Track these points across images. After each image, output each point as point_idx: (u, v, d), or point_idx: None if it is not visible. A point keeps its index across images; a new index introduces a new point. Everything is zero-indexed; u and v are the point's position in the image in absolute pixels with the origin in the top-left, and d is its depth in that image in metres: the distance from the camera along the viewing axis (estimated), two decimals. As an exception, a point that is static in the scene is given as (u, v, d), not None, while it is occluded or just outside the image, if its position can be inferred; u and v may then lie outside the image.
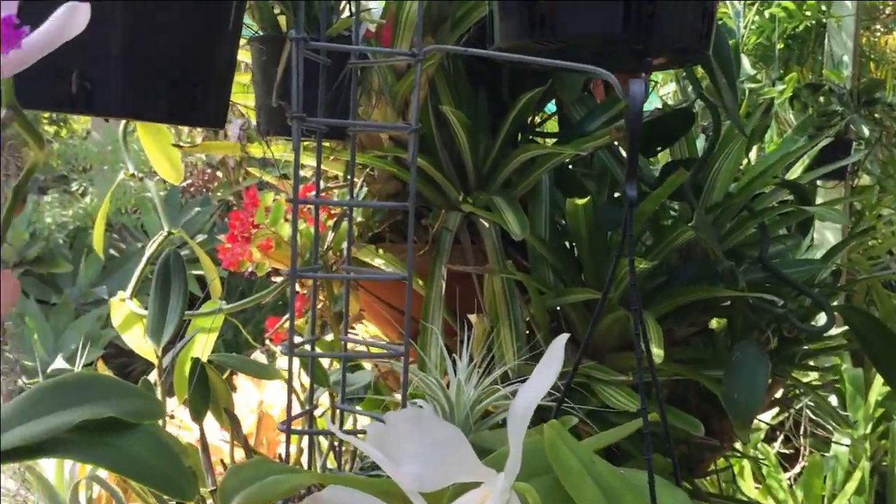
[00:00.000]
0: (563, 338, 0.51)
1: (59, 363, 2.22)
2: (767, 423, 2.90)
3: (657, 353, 1.04)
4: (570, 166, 1.45)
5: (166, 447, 0.49)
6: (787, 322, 1.19)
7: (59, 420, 0.47)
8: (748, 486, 2.65)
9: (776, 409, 3.08)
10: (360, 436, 0.58)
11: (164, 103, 0.65)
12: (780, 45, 3.36)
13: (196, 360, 0.80)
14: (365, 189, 1.34)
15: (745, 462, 2.58)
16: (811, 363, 1.57)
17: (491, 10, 0.76)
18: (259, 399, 1.63)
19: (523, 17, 0.69)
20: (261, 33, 1.12)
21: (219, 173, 4.98)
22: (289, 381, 0.57)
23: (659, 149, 1.36)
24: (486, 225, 1.33)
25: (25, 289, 4.47)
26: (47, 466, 0.74)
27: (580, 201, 1.13)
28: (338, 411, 0.70)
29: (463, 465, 0.50)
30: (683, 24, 0.70)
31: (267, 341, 1.62)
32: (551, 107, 1.60)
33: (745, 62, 2.78)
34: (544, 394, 0.50)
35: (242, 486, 0.53)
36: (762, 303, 1.22)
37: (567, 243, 1.37)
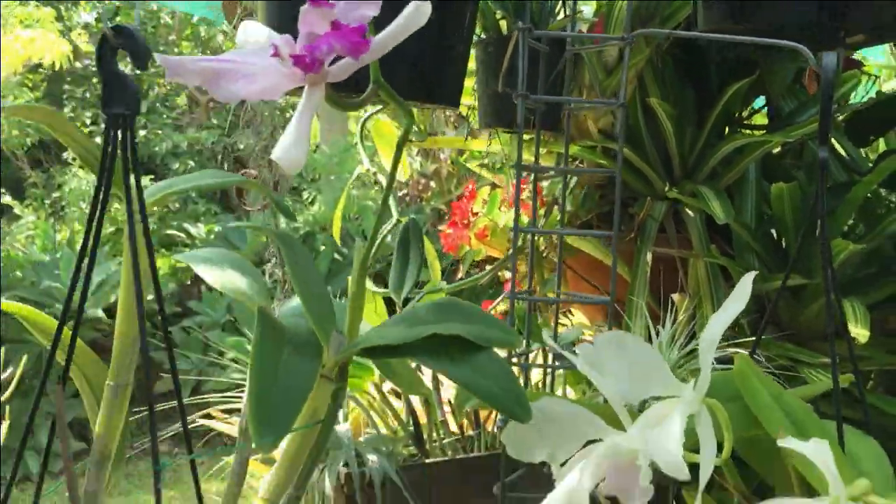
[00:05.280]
0: (751, 275, 0.58)
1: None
2: None
3: (862, 332, 1.05)
4: (780, 159, 1.46)
5: (507, 372, 0.57)
6: None
7: (415, 332, 0.58)
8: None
9: None
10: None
11: (417, 86, 0.80)
12: None
13: None
14: (574, 179, 1.44)
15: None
16: None
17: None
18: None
19: (724, 3, 0.76)
20: (484, 37, 1.25)
21: (432, 183, 5.25)
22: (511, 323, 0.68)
23: (872, 137, 1.35)
24: (692, 214, 1.38)
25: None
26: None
27: (785, 185, 1.16)
28: (550, 351, 0.80)
29: (659, 380, 0.58)
30: (881, 4, 0.74)
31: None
32: (760, 104, 1.61)
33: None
34: (730, 322, 0.57)
35: (470, 398, 0.64)
36: None
37: (773, 233, 1.39)
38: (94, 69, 6.64)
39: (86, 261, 0.62)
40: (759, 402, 0.59)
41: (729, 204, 1.22)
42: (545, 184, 1.46)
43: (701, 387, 0.57)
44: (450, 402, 0.96)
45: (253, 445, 0.52)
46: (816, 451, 0.46)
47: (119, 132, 0.57)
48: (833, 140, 1.40)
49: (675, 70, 1.42)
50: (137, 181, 0.57)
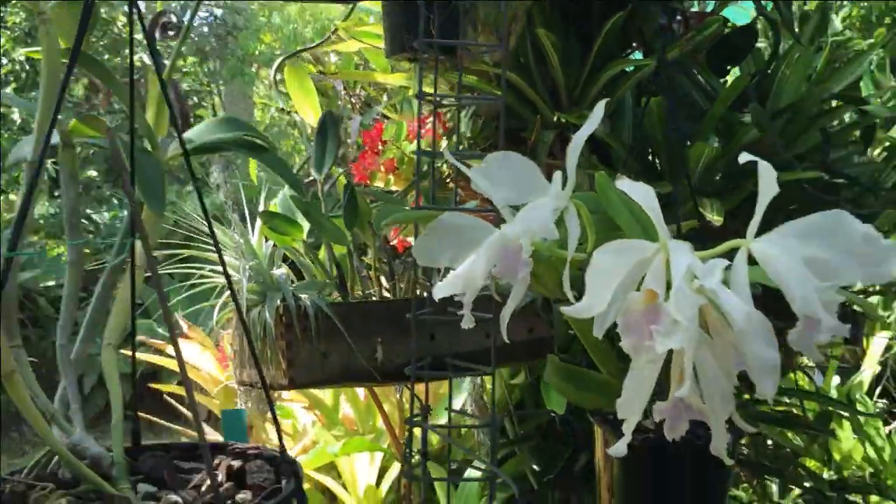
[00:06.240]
0: (603, 102, 0.74)
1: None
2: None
3: (717, 218, 1.24)
4: (653, 95, 1.65)
5: (284, 163, 0.86)
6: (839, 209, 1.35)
7: (228, 135, 0.89)
8: (847, 436, 2.74)
9: (878, 367, 3.15)
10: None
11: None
12: (886, 20, 3.40)
13: (348, 184, 1.06)
14: (472, 109, 1.59)
15: (845, 413, 2.67)
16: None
17: None
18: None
19: None
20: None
21: (341, 169, 5.34)
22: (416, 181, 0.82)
23: (729, 67, 1.55)
24: (578, 140, 1.55)
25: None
26: (254, 241, 1.03)
27: (655, 99, 1.33)
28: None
29: (537, 186, 0.73)
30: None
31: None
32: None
33: (837, 22, 2.89)
34: (588, 134, 0.73)
35: (386, 214, 0.78)
36: (820, 194, 1.39)
37: (650, 157, 1.58)
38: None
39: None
40: (615, 206, 0.74)
41: (606, 121, 1.39)
42: (448, 114, 1.61)
43: (568, 186, 0.72)
44: (365, 260, 1.10)
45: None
46: (643, 193, 0.61)
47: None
48: (696, 73, 1.59)
49: (561, 12, 1.59)
50: None
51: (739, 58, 1.52)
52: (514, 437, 1.57)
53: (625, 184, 0.62)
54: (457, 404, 1.45)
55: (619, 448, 0.64)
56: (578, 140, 0.73)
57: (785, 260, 0.60)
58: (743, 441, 2.22)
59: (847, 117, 1.61)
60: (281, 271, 1.03)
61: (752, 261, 0.66)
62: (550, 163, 1.49)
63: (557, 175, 0.71)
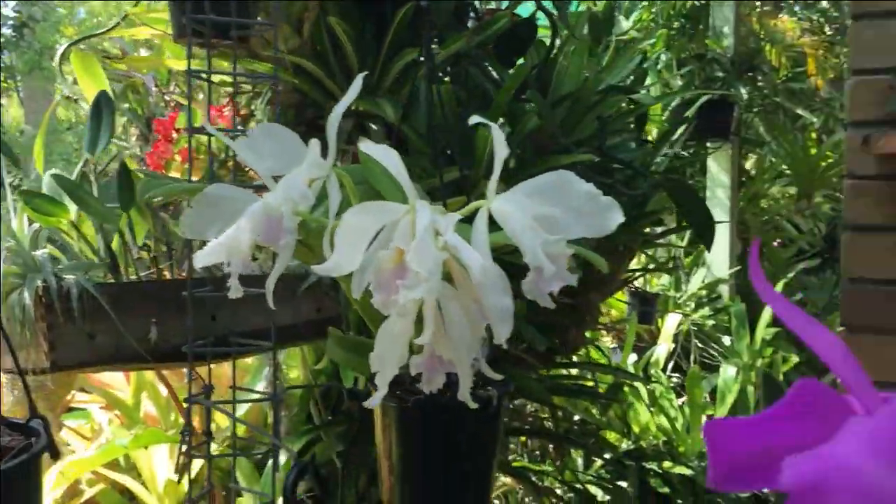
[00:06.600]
0: (361, 75, 0.77)
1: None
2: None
3: (500, 198, 1.30)
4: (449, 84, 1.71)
5: None
6: (614, 190, 1.46)
7: None
8: (643, 408, 2.95)
9: (672, 344, 3.41)
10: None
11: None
12: (675, 24, 3.68)
13: (122, 164, 1.04)
14: (268, 97, 1.59)
15: (641, 387, 2.88)
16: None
17: None
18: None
19: None
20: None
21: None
22: (189, 157, 0.82)
23: (516, 58, 1.63)
24: (375, 127, 1.59)
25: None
26: (15, 223, 0.98)
27: (443, 86, 1.39)
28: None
29: (300, 156, 0.75)
30: None
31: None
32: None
33: (624, 23, 3.10)
34: (348, 104, 0.76)
35: (152, 187, 0.78)
36: (596, 176, 1.50)
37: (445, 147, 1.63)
38: None
39: None
40: (376, 175, 0.78)
41: (399, 107, 1.43)
42: (243, 98, 1.60)
43: (329, 157, 0.74)
44: (147, 245, 1.08)
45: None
46: (386, 156, 0.64)
47: None
48: (487, 64, 1.67)
49: (356, 2, 1.62)
50: None
51: (524, 49, 1.61)
52: (319, 422, 1.58)
53: (368, 146, 0.65)
54: (259, 389, 1.44)
55: (373, 400, 0.67)
56: (337, 112, 0.76)
57: (518, 217, 0.65)
58: (547, 416, 2.34)
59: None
60: (43, 252, 0.99)
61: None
62: (347, 149, 1.52)
63: (314, 143, 0.74)
